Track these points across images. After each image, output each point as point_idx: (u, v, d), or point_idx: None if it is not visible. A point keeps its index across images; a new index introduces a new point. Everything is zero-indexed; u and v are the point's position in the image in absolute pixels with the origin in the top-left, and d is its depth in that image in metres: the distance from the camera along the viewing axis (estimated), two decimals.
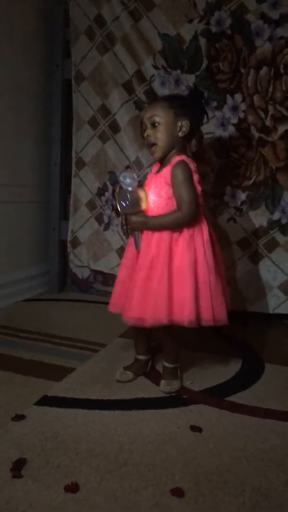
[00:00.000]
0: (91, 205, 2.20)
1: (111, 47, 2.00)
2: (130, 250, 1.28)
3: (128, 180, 1.18)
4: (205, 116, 1.28)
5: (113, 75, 2.01)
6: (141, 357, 1.35)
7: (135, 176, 1.20)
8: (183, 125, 1.20)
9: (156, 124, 1.20)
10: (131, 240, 1.28)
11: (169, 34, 1.87)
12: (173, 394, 1.23)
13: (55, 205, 2.28)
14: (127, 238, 1.31)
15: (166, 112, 1.19)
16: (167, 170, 1.20)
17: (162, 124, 1.20)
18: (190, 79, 1.86)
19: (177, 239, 1.19)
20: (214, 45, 1.81)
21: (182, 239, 1.18)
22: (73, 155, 2.19)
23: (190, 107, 1.22)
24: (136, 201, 1.18)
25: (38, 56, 2.19)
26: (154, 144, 1.22)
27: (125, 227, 1.22)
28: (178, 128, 1.21)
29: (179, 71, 1.88)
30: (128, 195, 1.17)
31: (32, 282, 2.26)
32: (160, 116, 1.19)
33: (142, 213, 1.20)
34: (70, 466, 0.90)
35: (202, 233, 1.20)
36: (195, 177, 1.21)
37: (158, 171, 1.25)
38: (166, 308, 1.14)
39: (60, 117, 2.22)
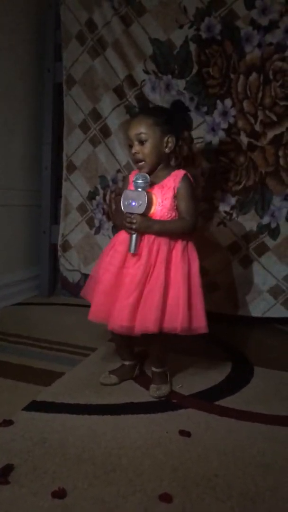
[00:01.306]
0: (82, 209, 2.20)
1: (102, 52, 2.00)
2: (115, 256, 1.23)
3: (140, 181, 1.19)
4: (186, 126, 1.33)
5: (104, 80, 2.02)
6: (126, 362, 1.35)
7: (148, 178, 1.20)
8: (169, 141, 1.24)
9: (144, 141, 1.21)
10: (116, 245, 1.25)
11: (159, 39, 1.88)
12: (163, 399, 1.23)
13: (46, 208, 2.27)
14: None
15: (153, 130, 1.21)
16: (173, 183, 1.22)
17: (149, 141, 1.21)
18: (180, 84, 1.87)
19: (173, 249, 1.21)
20: (204, 50, 1.83)
21: (176, 250, 1.21)
22: (64, 159, 2.19)
23: (174, 121, 1.25)
24: (149, 204, 1.19)
25: (29, 60, 2.19)
26: (142, 161, 1.23)
27: (129, 226, 1.19)
28: (165, 144, 1.23)
29: (169, 76, 1.89)
30: (145, 196, 1.17)
31: (22, 285, 2.25)
32: (148, 134, 1.21)
33: (148, 215, 1.21)
34: (57, 472, 0.89)
35: (194, 245, 1.25)
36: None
37: (157, 179, 1.25)
38: (159, 316, 1.15)
39: (51, 120, 2.22)
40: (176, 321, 1.17)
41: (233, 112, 1.82)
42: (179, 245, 1.21)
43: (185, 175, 1.24)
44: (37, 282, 2.33)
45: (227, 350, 1.65)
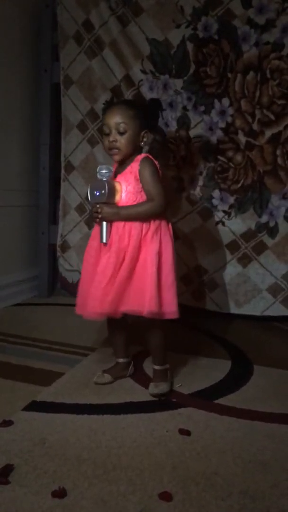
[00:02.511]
0: (80, 209, 2.20)
1: (100, 52, 2.01)
2: (89, 252, 1.27)
3: (104, 171, 1.21)
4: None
5: (102, 80, 2.02)
6: (120, 360, 1.36)
7: (111, 168, 1.23)
8: (145, 136, 1.25)
9: (123, 132, 1.22)
10: (90, 241, 1.28)
11: (157, 39, 1.89)
12: (162, 398, 1.23)
13: (44, 209, 2.27)
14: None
15: (135, 123, 1.22)
16: (135, 166, 1.23)
17: (128, 133, 1.22)
18: (178, 84, 1.88)
19: (145, 233, 1.21)
20: (202, 50, 1.83)
21: (149, 232, 1.21)
22: (62, 159, 2.19)
23: (149, 117, 1.28)
24: (111, 192, 1.20)
25: (26, 60, 2.19)
26: (117, 149, 1.24)
27: (95, 216, 1.22)
28: (141, 138, 1.25)
29: (167, 76, 1.89)
30: (106, 185, 1.19)
31: (21, 286, 2.25)
32: (128, 125, 1.22)
33: (114, 204, 1.22)
34: (57, 472, 0.89)
35: (168, 227, 1.25)
36: (160, 173, 1.26)
37: (122, 169, 1.26)
38: (124, 298, 1.17)
39: (49, 121, 2.21)
40: (142, 304, 1.16)
41: (230, 111, 1.82)
42: (151, 227, 1.21)
43: (145, 157, 1.24)
44: (36, 283, 2.33)
45: (227, 348, 1.65)
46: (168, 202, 1.27)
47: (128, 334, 1.36)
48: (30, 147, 2.25)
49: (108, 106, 1.28)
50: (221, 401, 1.23)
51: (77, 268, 2.24)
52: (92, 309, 1.20)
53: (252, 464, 0.95)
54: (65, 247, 2.25)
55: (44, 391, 1.23)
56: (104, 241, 1.21)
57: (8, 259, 2.18)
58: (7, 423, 1.05)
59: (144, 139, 1.26)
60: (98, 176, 1.22)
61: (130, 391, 1.27)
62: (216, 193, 1.89)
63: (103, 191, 1.19)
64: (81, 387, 1.27)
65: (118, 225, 1.21)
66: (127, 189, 1.23)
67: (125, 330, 1.34)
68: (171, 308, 1.20)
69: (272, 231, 1.83)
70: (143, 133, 1.25)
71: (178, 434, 1.05)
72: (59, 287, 2.38)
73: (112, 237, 1.21)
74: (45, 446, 0.98)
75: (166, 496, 0.83)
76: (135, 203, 1.23)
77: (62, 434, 1.03)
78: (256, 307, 1.88)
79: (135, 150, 1.26)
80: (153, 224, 1.22)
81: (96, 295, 1.19)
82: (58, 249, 2.27)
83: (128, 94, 1.95)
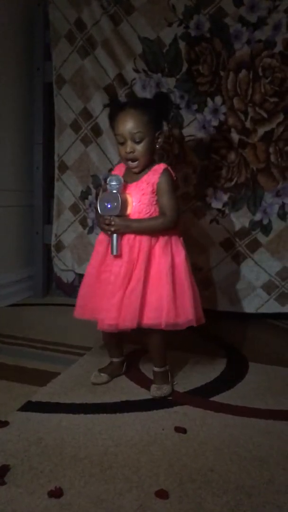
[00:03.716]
0: (74, 208, 2.19)
1: (92, 51, 2.00)
2: (94, 257, 1.26)
3: (114, 183, 1.18)
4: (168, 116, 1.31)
5: (94, 79, 2.01)
6: (115, 359, 1.36)
7: (122, 179, 1.19)
8: (159, 137, 1.22)
9: (140, 140, 1.17)
10: (96, 246, 1.27)
11: (149, 37, 1.89)
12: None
13: (39, 209, 2.27)
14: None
15: (149, 128, 1.18)
16: (153, 177, 1.20)
17: (145, 140, 1.18)
18: (170, 82, 1.88)
19: (154, 245, 1.20)
20: (194, 48, 1.83)
21: (158, 245, 1.20)
22: (56, 158, 2.19)
23: (161, 115, 1.23)
24: (124, 205, 1.18)
25: (18, 60, 2.18)
26: (136, 160, 1.20)
27: (106, 228, 1.19)
28: (156, 140, 1.22)
29: (159, 75, 1.89)
30: (119, 197, 1.17)
31: (16, 286, 2.24)
32: (144, 132, 1.17)
33: (125, 216, 1.20)
34: (54, 471, 0.89)
35: (179, 238, 1.24)
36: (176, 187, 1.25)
37: (137, 176, 1.23)
38: (136, 314, 1.15)
39: (42, 120, 2.21)
40: (159, 317, 1.17)
41: (223, 109, 1.82)
42: (160, 241, 1.20)
43: (165, 169, 1.21)
44: (31, 283, 2.33)
45: (222, 346, 1.66)
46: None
47: (122, 334, 1.35)
48: (24, 146, 2.25)
49: (117, 110, 1.21)
50: (217, 398, 1.24)
51: (71, 268, 2.24)
52: (108, 322, 1.17)
53: (248, 461, 0.95)
54: (59, 246, 2.25)
55: (39, 391, 1.23)
56: (115, 253, 1.19)
57: (3, 259, 2.17)
58: (3, 423, 1.05)
59: (159, 140, 1.22)
60: (108, 187, 1.18)
61: (125, 389, 1.28)
62: (209, 191, 1.89)
63: (115, 204, 1.17)
64: (76, 387, 1.27)
65: (129, 237, 1.19)
66: (141, 200, 1.20)
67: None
68: (187, 317, 1.19)
69: (266, 229, 1.84)
70: (157, 134, 1.21)
71: (174, 432, 1.05)
72: (54, 287, 2.38)
73: (123, 247, 1.19)
74: (41, 446, 0.98)
75: (162, 494, 0.83)
76: (148, 215, 1.20)
77: (58, 433, 1.03)
78: (250, 305, 1.89)
79: (152, 155, 1.23)
80: (163, 238, 1.20)
81: (110, 308, 1.17)
82: (52, 249, 2.26)
83: (121, 93, 1.95)
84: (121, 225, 1.18)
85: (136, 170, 1.22)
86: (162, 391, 1.23)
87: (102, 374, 1.31)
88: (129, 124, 1.17)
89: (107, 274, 1.21)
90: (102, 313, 1.19)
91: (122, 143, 1.19)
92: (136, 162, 1.20)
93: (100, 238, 1.26)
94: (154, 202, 1.21)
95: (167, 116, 1.28)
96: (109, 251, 1.21)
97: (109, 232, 1.19)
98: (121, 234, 1.19)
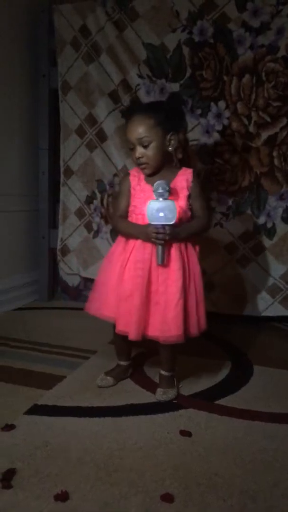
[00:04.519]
0: (80, 213, 2.21)
1: (97, 57, 2.02)
2: (140, 267, 1.20)
3: (161, 190, 1.14)
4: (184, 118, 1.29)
5: (99, 85, 2.03)
6: (122, 362, 1.37)
7: (169, 186, 1.16)
8: (172, 139, 1.20)
9: (147, 144, 1.18)
10: (117, 246, 1.25)
11: (153, 43, 1.90)
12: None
13: (44, 213, 2.28)
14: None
15: (156, 131, 1.17)
16: (186, 182, 1.22)
17: (153, 144, 1.18)
18: (174, 88, 1.89)
19: (186, 251, 1.22)
20: (197, 54, 1.84)
21: (191, 251, 1.23)
22: (61, 163, 2.20)
23: (173, 116, 1.22)
24: (176, 212, 1.14)
25: (24, 66, 2.20)
26: (145, 164, 1.21)
27: (159, 237, 1.14)
28: (168, 143, 1.21)
29: (163, 80, 1.91)
30: (175, 206, 1.13)
31: (22, 291, 2.25)
32: (150, 136, 1.17)
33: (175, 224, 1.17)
34: (60, 475, 0.90)
35: (195, 249, 1.25)
36: None
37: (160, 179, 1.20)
38: (189, 322, 1.19)
39: (48, 126, 2.23)
40: (194, 326, 1.21)
41: (227, 114, 1.83)
42: (192, 248, 1.23)
43: (194, 173, 1.24)
44: (36, 287, 2.34)
45: (227, 349, 1.66)
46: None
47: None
48: (30, 152, 2.27)
49: (127, 116, 1.22)
50: (222, 402, 1.24)
51: (77, 272, 2.25)
52: (152, 333, 1.19)
53: (253, 464, 0.95)
54: (65, 251, 2.27)
55: (45, 395, 1.24)
56: (161, 262, 1.16)
57: (9, 263, 2.19)
58: (9, 427, 1.06)
59: (172, 142, 1.20)
60: (156, 195, 1.14)
61: (131, 393, 1.28)
62: (213, 195, 1.90)
63: (172, 215, 1.13)
64: (82, 390, 1.28)
65: (169, 246, 1.18)
66: (179, 205, 1.19)
67: None
68: (201, 327, 1.23)
69: (270, 232, 1.84)
70: (169, 136, 1.19)
71: (179, 435, 1.06)
72: (59, 291, 2.39)
73: (170, 255, 1.18)
74: (47, 449, 0.98)
75: (167, 498, 0.84)
76: (184, 218, 1.21)
77: (64, 437, 1.04)
78: (255, 308, 1.89)
79: (165, 157, 1.22)
80: (192, 246, 1.23)
81: (133, 317, 1.18)
82: (58, 253, 2.28)
83: (126, 99, 1.96)
84: (172, 233, 1.15)
85: (146, 171, 1.23)
86: (167, 395, 1.24)
87: (108, 377, 1.32)
88: (135, 130, 1.18)
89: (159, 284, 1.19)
90: (124, 319, 1.19)
91: (132, 149, 1.21)
92: (146, 166, 1.21)
93: (130, 246, 1.23)
94: (189, 207, 1.22)
95: (179, 117, 1.28)
96: (143, 256, 1.19)
97: (160, 241, 1.15)
98: (168, 242, 1.17)
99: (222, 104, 1.83)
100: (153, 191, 1.15)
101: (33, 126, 2.25)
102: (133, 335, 1.18)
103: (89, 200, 2.17)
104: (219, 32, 1.80)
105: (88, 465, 0.93)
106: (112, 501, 0.83)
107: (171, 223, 1.14)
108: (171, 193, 1.17)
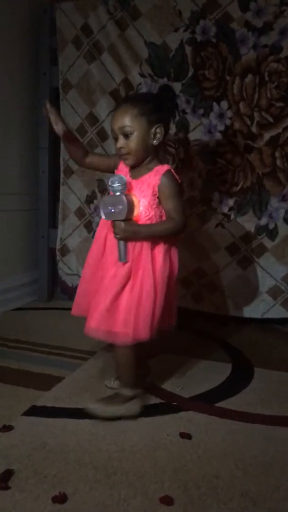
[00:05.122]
0: (79, 212, 2.20)
1: (98, 56, 2.01)
2: (92, 256, 1.21)
3: (116, 184, 1.09)
4: (177, 112, 1.22)
5: (101, 84, 2.02)
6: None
7: (125, 179, 1.10)
8: (157, 132, 1.14)
9: (129, 134, 1.12)
10: (96, 237, 1.21)
11: (155, 42, 1.89)
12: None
13: (44, 213, 2.27)
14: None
15: (139, 121, 1.12)
16: (154, 179, 1.13)
17: (135, 134, 1.12)
18: (176, 87, 1.87)
19: (155, 249, 1.14)
20: (200, 53, 1.83)
21: (159, 250, 1.14)
22: (61, 162, 2.19)
23: (162, 109, 1.16)
24: (130, 208, 1.09)
25: (24, 65, 2.19)
26: (126, 154, 1.15)
27: (114, 234, 1.10)
28: (152, 136, 1.14)
29: (165, 79, 1.90)
30: (124, 200, 1.07)
31: (21, 291, 2.24)
32: (132, 126, 1.11)
33: (132, 220, 1.11)
34: (58, 476, 0.89)
35: (176, 247, 1.19)
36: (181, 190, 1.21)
37: (136, 174, 1.17)
38: (153, 322, 1.12)
39: (48, 125, 2.21)
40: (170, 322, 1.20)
41: (229, 114, 1.82)
42: (161, 246, 1.14)
43: (167, 171, 1.14)
44: (36, 287, 2.33)
45: (227, 351, 1.65)
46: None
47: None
48: (30, 150, 2.26)
49: (116, 107, 1.18)
50: (222, 404, 1.23)
51: (76, 272, 2.24)
52: (74, 306, 1.20)
53: (253, 467, 0.94)
54: (64, 251, 2.25)
55: (44, 396, 1.23)
56: (124, 260, 1.11)
57: (8, 263, 2.18)
58: (7, 428, 1.05)
59: (158, 136, 1.14)
60: (111, 190, 1.10)
61: None
62: (215, 196, 1.89)
63: (121, 207, 1.07)
64: (81, 392, 1.26)
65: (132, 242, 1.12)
66: (142, 202, 1.13)
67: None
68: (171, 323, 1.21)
69: (272, 233, 1.83)
70: (154, 129, 1.13)
71: (179, 437, 1.05)
72: (59, 291, 2.38)
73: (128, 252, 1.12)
74: (45, 450, 0.97)
75: (167, 500, 0.83)
76: (148, 216, 1.13)
77: (63, 438, 1.02)
78: (256, 310, 1.88)
79: (149, 151, 1.16)
80: (163, 245, 1.14)
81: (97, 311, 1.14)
82: (57, 253, 2.27)
83: None
84: (129, 231, 1.10)
85: (127, 162, 1.17)
86: (105, 411, 1.12)
87: (115, 381, 1.27)
88: (118, 119, 1.13)
89: (103, 274, 1.16)
90: (114, 320, 1.15)
91: (116, 139, 1.16)
92: (127, 157, 1.15)
93: (97, 236, 1.21)
94: (156, 205, 1.14)
95: (168, 109, 1.20)
96: (106, 251, 1.17)
97: (115, 237, 1.11)
98: (128, 240, 1.11)
99: (224, 104, 1.82)
100: (109, 186, 1.11)
101: (33, 125, 2.25)
102: (72, 310, 1.20)
103: (89, 199, 2.16)
104: (222, 31, 1.79)
105: (86, 466, 0.92)
106: (111, 503, 0.82)
107: (121, 218, 1.09)
108: (135, 188, 1.13)
